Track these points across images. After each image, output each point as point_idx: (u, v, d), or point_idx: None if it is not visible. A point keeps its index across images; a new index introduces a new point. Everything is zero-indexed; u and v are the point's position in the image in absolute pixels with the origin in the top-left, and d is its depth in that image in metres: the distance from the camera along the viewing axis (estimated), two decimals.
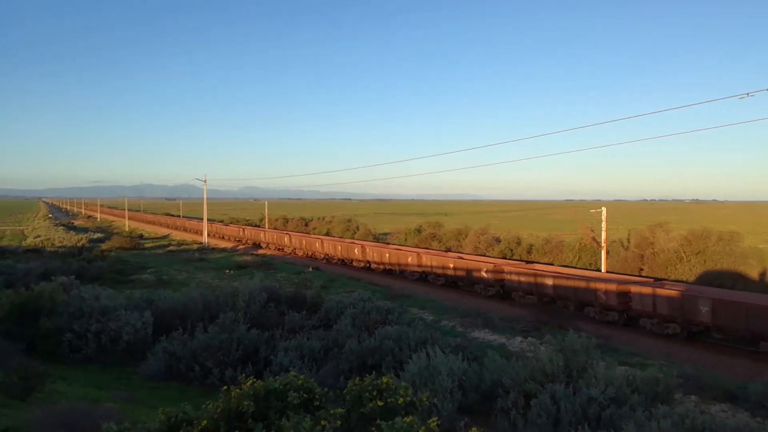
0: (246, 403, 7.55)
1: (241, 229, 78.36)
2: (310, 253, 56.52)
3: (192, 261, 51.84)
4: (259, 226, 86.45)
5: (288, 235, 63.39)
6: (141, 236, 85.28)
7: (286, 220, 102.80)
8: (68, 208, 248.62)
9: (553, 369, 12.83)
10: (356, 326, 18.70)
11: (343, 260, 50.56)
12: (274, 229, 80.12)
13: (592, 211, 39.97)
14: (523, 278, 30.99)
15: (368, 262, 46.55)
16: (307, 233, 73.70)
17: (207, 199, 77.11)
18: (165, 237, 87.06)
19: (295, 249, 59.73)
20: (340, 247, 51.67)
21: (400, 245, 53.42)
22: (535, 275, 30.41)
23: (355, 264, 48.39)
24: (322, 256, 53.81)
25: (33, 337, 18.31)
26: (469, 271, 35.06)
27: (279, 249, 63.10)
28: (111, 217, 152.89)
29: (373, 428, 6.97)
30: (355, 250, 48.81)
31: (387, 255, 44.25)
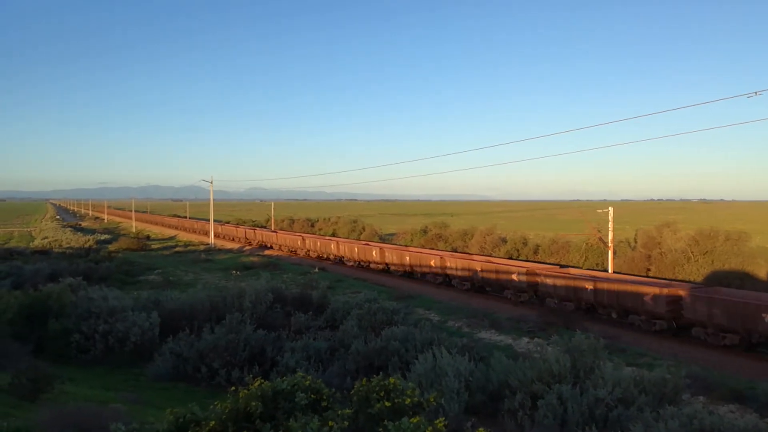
0: (254, 403, 7.56)
1: (235, 228, 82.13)
2: (293, 249, 59.69)
3: (199, 262, 52.04)
4: (265, 227, 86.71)
5: (276, 234, 67.18)
6: (148, 237, 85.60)
7: (292, 221, 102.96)
8: (75, 209, 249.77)
9: (560, 370, 12.80)
10: (362, 327, 18.70)
11: (320, 256, 53.77)
12: (264, 228, 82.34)
13: (599, 211, 39.85)
14: (460, 268, 35.43)
15: (341, 257, 50.07)
16: (292, 232, 76.40)
17: (213, 200, 77.35)
18: (172, 238, 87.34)
19: (281, 246, 63.19)
20: (319, 244, 55.22)
21: (368, 242, 56.49)
22: (470, 267, 34.67)
23: (331, 258, 51.74)
24: (304, 252, 57.17)
25: (41, 338, 18.42)
26: (421, 264, 39.42)
27: (268, 247, 65.98)
28: (118, 219, 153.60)
29: (381, 429, 6.98)
30: (331, 246, 52.37)
31: (356, 250, 47.92)
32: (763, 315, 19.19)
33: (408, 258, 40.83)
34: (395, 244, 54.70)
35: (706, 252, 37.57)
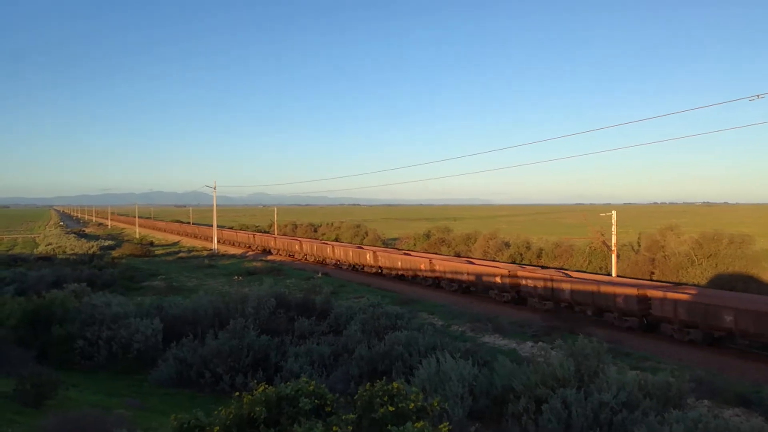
0: (258, 409, 7.56)
1: (236, 234, 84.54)
2: (291, 253, 61.47)
3: (202, 267, 52.04)
4: (268, 232, 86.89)
5: (274, 239, 69.42)
6: (151, 243, 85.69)
7: (295, 226, 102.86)
8: (79, 215, 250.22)
9: (564, 374, 12.76)
10: (366, 332, 18.68)
11: (317, 260, 55.23)
12: (265, 233, 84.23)
13: (602, 214, 39.79)
14: (448, 271, 37.10)
15: (337, 260, 51.68)
16: (291, 236, 78.12)
17: (217, 205, 77.44)
18: (175, 244, 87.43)
19: (279, 250, 64.87)
20: (315, 247, 56.78)
21: (361, 245, 59.45)
22: (457, 269, 36.48)
23: (327, 261, 53.16)
24: (302, 255, 58.85)
25: (45, 344, 18.43)
26: (412, 267, 40.89)
27: (270, 252, 67.15)
28: (121, 225, 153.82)
29: None
30: (327, 250, 54.14)
31: (350, 254, 49.56)
32: (723, 313, 20.86)
33: (399, 262, 42.41)
34: (388, 248, 56.95)
35: (710, 255, 37.44)
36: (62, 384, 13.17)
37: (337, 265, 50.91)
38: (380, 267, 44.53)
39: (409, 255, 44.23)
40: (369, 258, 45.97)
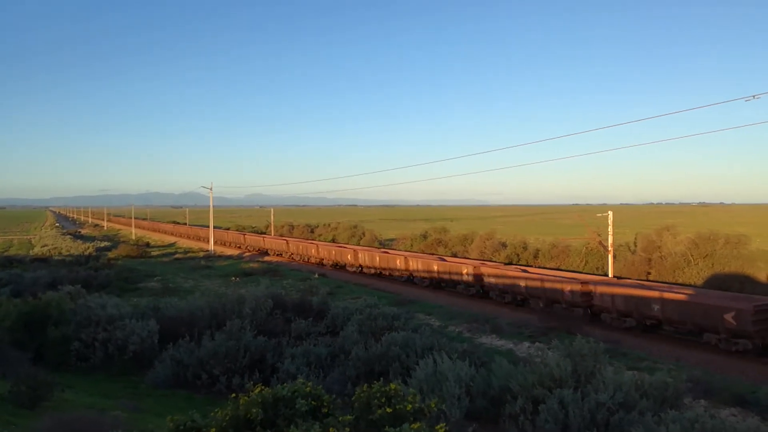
0: (254, 410, 7.54)
1: (214, 231, 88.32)
2: (258, 249, 69.41)
3: (198, 269, 51.87)
4: (264, 233, 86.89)
5: (243, 236, 77.90)
6: (148, 244, 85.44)
7: (291, 227, 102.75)
8: (75, 216, 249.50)
9: (561, 374, 12.77)
10: (363, 333, 18.65)
11: (277, 252, 63.89)
12: (251, 233, 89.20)
13: (598, 215, 39.81)
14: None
15: (291, 253, 60.53)
16: (260, 234, 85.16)
17: (213, 206, 77.31)
18: (171, 245, 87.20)
19: (248, 246, 72.99)
20: (275, 243, 65.86)
21: (312, 240, 69.56)
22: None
23: (284, 254, 61.99)
24: (265, 249, 66.99)
25: (41, 346, 18.36)
26: (343, 259, 49.06)
27: (238, 247, 75.45)
28: (118, 226, 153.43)
29: None
30: (283, 245, 63.22)
31: (300, 247, 58.75)
32: (593, 295, 26.27)
33: (328, 251, 51.10)
34: (329, 242, 67.59)
35: (706, 255, 37.47)
36: (58, 385, 13.13)
37: (291, 258, 59.90)
38: (321, 258, 53.15)
39: (342, 246, 53.61)
40: (314, 251, 55.35)
